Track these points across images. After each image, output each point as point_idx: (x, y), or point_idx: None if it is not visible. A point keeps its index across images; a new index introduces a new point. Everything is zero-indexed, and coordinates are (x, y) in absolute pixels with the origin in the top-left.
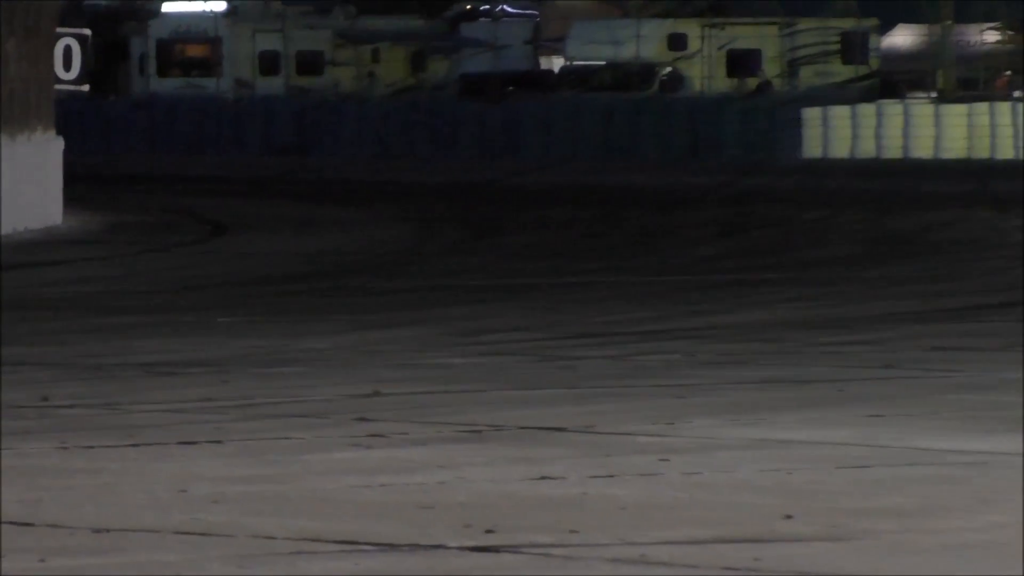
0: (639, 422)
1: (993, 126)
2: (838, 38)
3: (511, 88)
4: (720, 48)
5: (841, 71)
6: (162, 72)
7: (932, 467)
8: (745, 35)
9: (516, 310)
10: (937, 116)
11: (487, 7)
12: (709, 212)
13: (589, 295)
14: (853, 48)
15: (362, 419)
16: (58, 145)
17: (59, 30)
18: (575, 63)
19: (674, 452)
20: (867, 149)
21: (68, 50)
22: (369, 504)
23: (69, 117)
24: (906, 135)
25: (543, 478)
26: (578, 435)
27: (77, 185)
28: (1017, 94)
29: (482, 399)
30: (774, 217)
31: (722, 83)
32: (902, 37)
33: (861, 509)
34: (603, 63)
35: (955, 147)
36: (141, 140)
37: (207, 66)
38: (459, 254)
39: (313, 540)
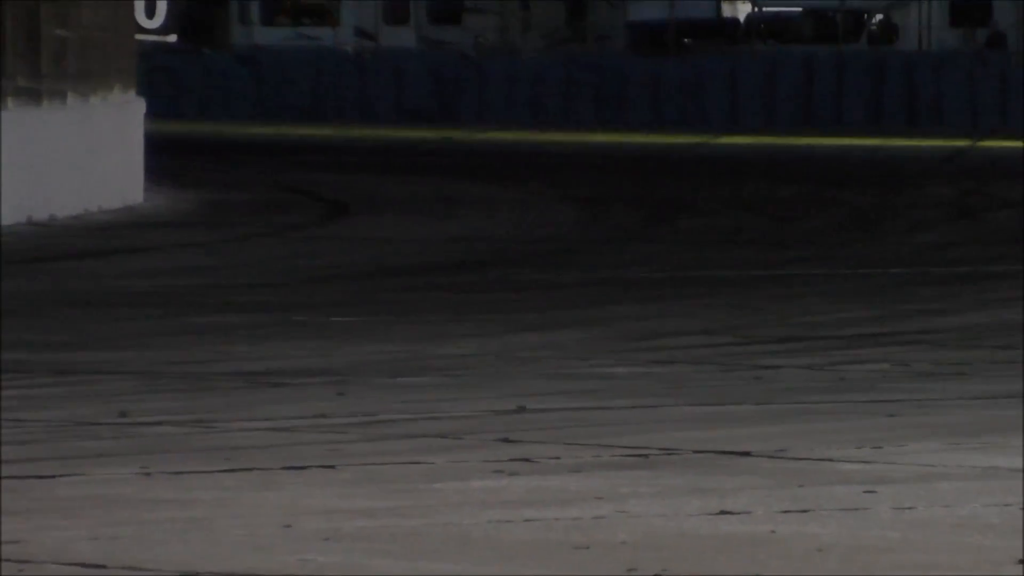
0: (841, 446)
1: None
2: None
3: (689, 40)
4: None
5: None
6: (268, 20)
7: None
8: None
9: (696, 309)
10: None
11: None
12: (931, 190)
13: (785, 291)
14: None
15: (506, 440)
16: (139, 107)
17: None
18: (766, 10)
19: (883, 482)
20: None
21: None
22: (514, 543)
23: (153, 74)
24: None
25: (723, 513)
26: (767, 461)
27: (163, 155)
28: None
29: (651, 417)
30: (1010, 197)
31: (945, 34)
32: None
33: None
34: (800, 10)
35: None
36: (242, 102)
37: (322, 13)
38: (629, 241)
39: None
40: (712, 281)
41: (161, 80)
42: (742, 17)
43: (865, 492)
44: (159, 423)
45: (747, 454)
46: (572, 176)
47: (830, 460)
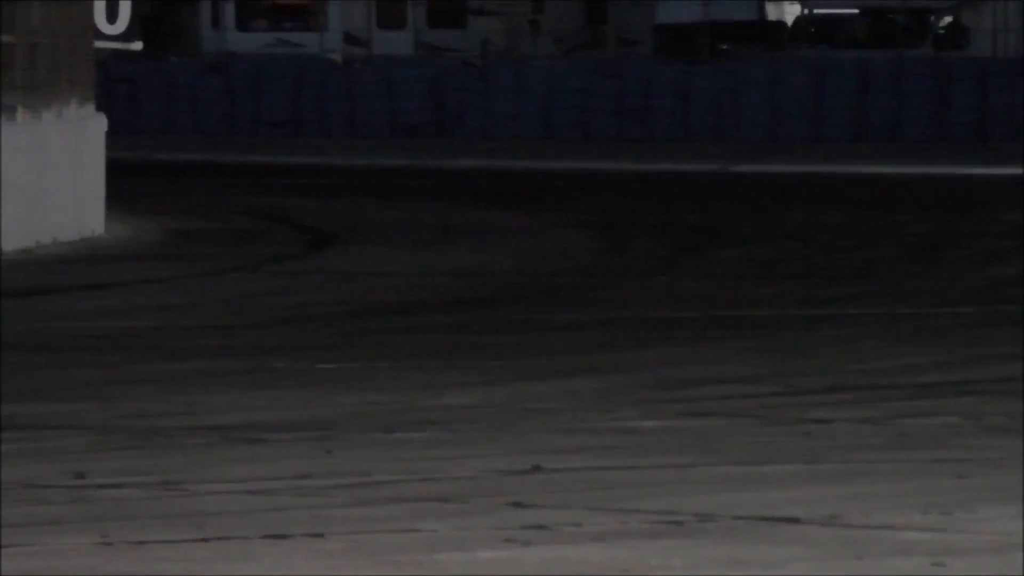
0: (903, 511)
1: None
2: None
3: (727, 44)
4: None
5: None
6: (243, 24)
7: None
8: None
9: (733, 354)
10: None
11: None
12: (1005, 216)
13: (836, 333)
14: None
15: (518, 504)
16: (99, 124)
17: None
18: (816, 11)
19: (953, 553)
20: None
21: None
22: None
23: (115, 85)
24: None
25: None
26: (818, 529)
27: (126, 178)
28: None
29: (684, 478)
30: None
31: (1022, 38)
32: None
33: None
34: (856, 11)
35: None
36: (213, 117)
37: (305, 16)
38: (654, 275)
39: None
40: (751, 321)
41: (122, 93)
42: (789, 18)
43: (933, 564)
44: (120, 485)
45: (795, 520)
46: (589, 200)
47: (890, 528)
